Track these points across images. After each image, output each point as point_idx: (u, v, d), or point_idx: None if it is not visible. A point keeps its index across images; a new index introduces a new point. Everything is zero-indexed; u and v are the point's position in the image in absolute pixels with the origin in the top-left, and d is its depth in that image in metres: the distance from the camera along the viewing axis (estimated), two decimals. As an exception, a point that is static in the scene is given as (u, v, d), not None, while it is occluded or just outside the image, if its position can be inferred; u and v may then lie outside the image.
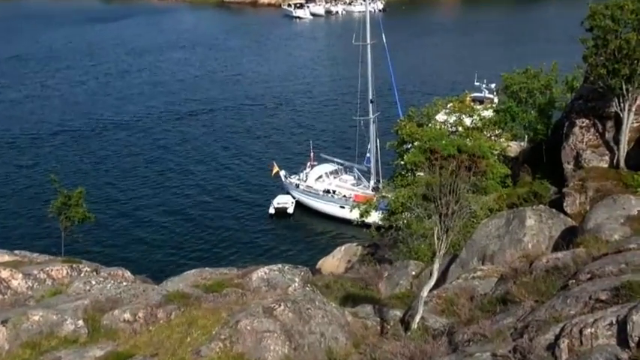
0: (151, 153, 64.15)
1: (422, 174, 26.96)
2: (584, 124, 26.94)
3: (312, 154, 54.18)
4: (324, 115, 76.27)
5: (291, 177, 53.52)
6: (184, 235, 46.75)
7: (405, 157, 31.88)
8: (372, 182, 50.95)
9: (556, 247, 15.80)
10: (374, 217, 34.34)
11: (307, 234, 48.33)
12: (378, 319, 14.00)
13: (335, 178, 52.86)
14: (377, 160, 50.59)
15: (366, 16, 50.46)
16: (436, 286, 14.42)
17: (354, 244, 40.07)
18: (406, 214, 28.36)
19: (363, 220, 34.78)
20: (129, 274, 16.78)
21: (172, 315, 12.83)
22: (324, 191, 51.09)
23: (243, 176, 58.10)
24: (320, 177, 52.65)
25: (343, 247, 40.10)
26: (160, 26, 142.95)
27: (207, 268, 17.03)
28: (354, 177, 52.68)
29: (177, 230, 47.43)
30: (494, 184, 27.98)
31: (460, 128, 35.45)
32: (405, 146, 35.29)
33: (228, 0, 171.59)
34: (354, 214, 36.54)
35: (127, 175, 58.26)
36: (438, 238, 12.25)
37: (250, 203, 52.23)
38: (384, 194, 34.43)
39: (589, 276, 10.11)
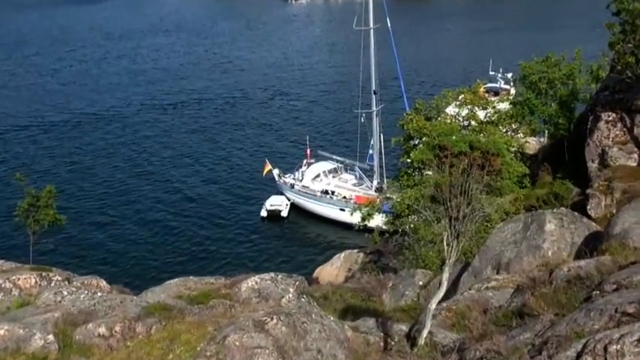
0: (130, 150, 64.16)
1: (430, 173, 26.91)
2: (610, 119, 26.94)
3: (308, 150, 54.20)
4: (323, 108, 76.35)
5: (286, 176, 53.52)
6: (166, 240, 46.76)
7: (411, 154, 31.85)
8: (375, 182, 50.98)
9: (578, 255, 15.78)
10: (377, 221, 34.31)
11: (303, 239, 48.34)
12: (382, 334, 13.96)
13: (334, 177, 52.90)
14: (380, 158, 50.63)
15: (369, -2, 50.58)
16: (445, 297, 14.38)
17: (355, 250, 40.07)
18: (413, 217, 28.32)
19: (365, 225, 34.76)
20: (104, 283, 16.72)
21: (153, 329, 12.77)
22: (321, 192, 51.11)
23: (232, 175, 58.10)
24: (317, 176, 52.67)
25: (343, 254, 40.08)
26: (141, 8, 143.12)
27: (191, 277, 16.99)
28: (355, 176, 52.73)
29: (158, 235, 47.45)
30: (511, 185, 27.97)
31: (473, 122, 35.45)
32: (411, 142, 35.27)
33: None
34: (355, 218, 36.52)
35: (103, 173, 58.23)
36: (448, 245, 12.22)
37: (240, 205, 52.25)
38: (388, 195, 34.39)
39: (615, 287, 10.09)
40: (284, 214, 50.57)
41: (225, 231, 48.18)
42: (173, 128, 70.22)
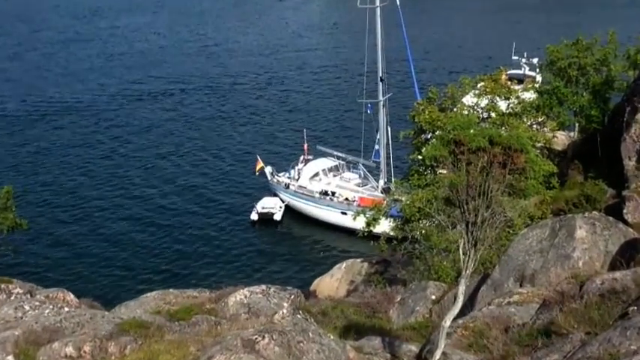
0: (103, 145, 64.19)
1: (444, 172, 26.87)
2: (649, 110, 26.91)
3: (305, 145, 54.22)
4: (322, 98, 76.37)
5: (280, 175, 53.54)
6: (143, 248, 46.77)
7: (423, 150, 31.83)
8: (381, 182, 50.99)
9: (613, 265, 15.76)
10: (383, 227, 34.26)
11: (299, 247, 48.34)
12: (389, 355, 13.93)
13: (335, 176, 52.91)
14: (388, 154, 50.64)
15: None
16: (462, 313, 14.37)
17: (359, 260, 40.06)
18: (424, 222, 28.27)
19: (370, 230, 34.68)
20: (72, 297, 16.70)
21: (127, 349, 12.74)
22: (320, 193, 51.11)
23: (219, 174, 58.14)
24: (316, 175, 52.67)
25: (344, 264, 40.08)
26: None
27: (171, 290, 17.03)
28: (359, 175, 52.72)
29: (134, 242, 47.45)
30: (536, 185, 27.93)
31: (493, 114, 35.45)
32: (423, 136, 35.28)
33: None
34: (358, 223, 36.46)
35: (71, 172, 58.26)
36: (465, 254, 12.21)
37: (227, 208, 52.28)
38: (396, 197, 34.34)
39: (655, 302, 10.07)
40: (277, 217, 50.57)
41: (210, 237, 48.15)
42: (152, 121, 70.29)
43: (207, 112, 72.59)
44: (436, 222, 25.28)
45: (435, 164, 29.94)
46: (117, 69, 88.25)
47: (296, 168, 53.63)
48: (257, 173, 53.53)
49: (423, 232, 28.25)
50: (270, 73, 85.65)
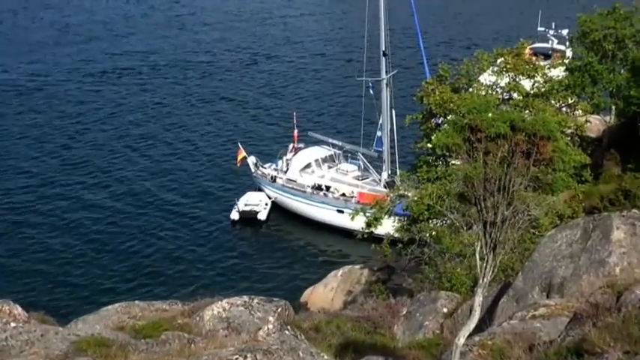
0: (57, 132, 64.10)
1: (458, 163, 26.82)
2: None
3: (295, 131, 54.19)
4: (315, 75, 76.34)
5: (265, 166, 53.53)
6: (104, 252, 46.66)
7: (433, 137, 31.81)
8: (384, 174, 51.00)
9: (656, 272, 15.78)
10: (387, 227, 34.30)
11: (288, 251, 48.32)
12: (392, 378, 13.95)
13: (330, 167, 52.89)
14: (392, 142, 50.63)
15: None
16: (478, 329, 14.37)
17: (357, 266, 40.11)
18: (435, 222, 28.27)
19: (371, 232, 34.72)
20: (19, 310, 16.57)
21: (84, 372, 12.73)
22: (313, 187, 51.10)
23: (193, 165, 58.15)
24: (307, 166, 52.64)
25: (341, 272, 40.14)
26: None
27: (137, 302, 16.97)
28: (358, 166, 52.71)
29: (93, 245, 47.35)
30: (566, 179, 27.95)
31: (515, 95, 35.46)
32: (433, 121, 35.29)
33: None
34: (357, 222, 36.46)
35: (18, 162, 58.15)
36: (482, 259, 12.20)
37: (203, 205, 52.27)
38: (401, 192, 34.34)
39: None
40: (262, 216, 50.53)
41: (183, 240, 48.07)
42: (116, 104, 70.15)
43: (180, 93, 72.49)
44: (448, 222, 25.27)
45: (447, 154, 30.04)
46: (74, 42, 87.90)
47: (284, 158, 53.58)
48: (238, 164, 53.45)
49: (433, 233, 28.23)
50: (254, 47, 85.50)
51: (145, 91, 73.24)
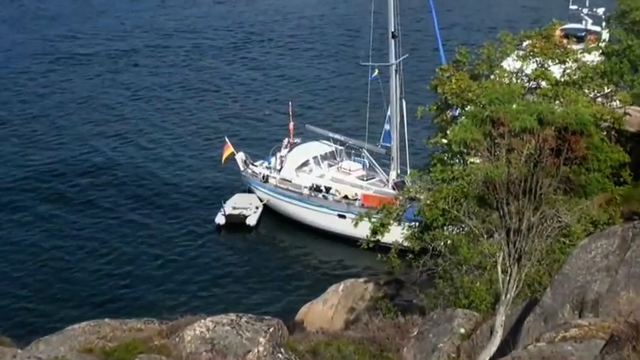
0: (15, 124, 64.14)
1: (477, 161, 26.75)
2: None
3: (291, 124, 54.12)
4: (314, 60, 76.32)
5: (256, 164, 53.54)
6: (69, 264, 46.65)
7: (448, 131, 31.81)
8: (392, 174, 50.95)
9: None
10: (395, 235, 34.27)
11: (281, 261, 48.30)
12: (401, 409, 13.95)
13: (330, 166, 52.84)
14: (401, 137, 50.59)
15: None
16: (501, 352, 14.38)
17: (361, 279, 40.03)
18: (450, 229, 28.23)
19: (378, 240, 34.71)
20: (-29, 329, 16.63)
21: (46, 400, 12.72)
22: (311, 189, 51.06)
23: (173, 162, 58.23)
24: (304, 164, 52.63)
25: (342, 286, 40.05)
26: None
27: (107, 320, 16.94)
28: (363, 165, 52.66)
29: (55, 256, 47.34)
30: (601, 180, 27.98)
31: (544, 83, 35.44)
32: (449, 113, 35.29)
33: None
34: (361, 229, 36.47)
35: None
36: (505, 272, 12.20)
37: (184, 208, 52.29)
38: (412, 195, 34.33)
39: None
40: (252, 221, 50.56)
41: (160, 249, 48.07)
42: (84, 93, 70.22)
43: (158, 81, 72.61)
44: (466, 229, 25.24)
45: (465, 151, 29.96)
46: (35, 20, 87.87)
47: (278, 155, 53.56)
48: (223, 162, 53.38)
49: (449, 242, 28.18)
50: (243, 27, 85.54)
51: (118, 77, 73.30)
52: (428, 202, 29.71)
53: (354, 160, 53.20)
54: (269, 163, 53.33)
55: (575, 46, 43.60)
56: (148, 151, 59.59)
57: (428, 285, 29.40)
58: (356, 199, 49.12)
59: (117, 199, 53.35)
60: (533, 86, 35.54)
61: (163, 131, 62.50)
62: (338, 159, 53.27)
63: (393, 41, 50.08)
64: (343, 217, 48.19)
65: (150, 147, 60.24)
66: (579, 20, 65.55)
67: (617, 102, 35.47)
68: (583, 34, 61.96)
